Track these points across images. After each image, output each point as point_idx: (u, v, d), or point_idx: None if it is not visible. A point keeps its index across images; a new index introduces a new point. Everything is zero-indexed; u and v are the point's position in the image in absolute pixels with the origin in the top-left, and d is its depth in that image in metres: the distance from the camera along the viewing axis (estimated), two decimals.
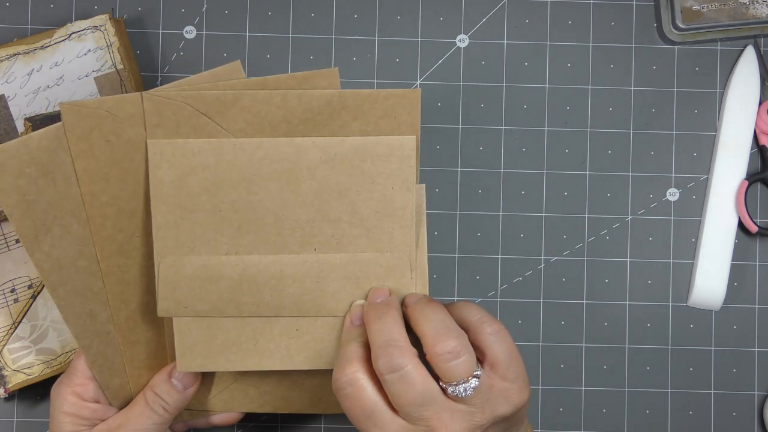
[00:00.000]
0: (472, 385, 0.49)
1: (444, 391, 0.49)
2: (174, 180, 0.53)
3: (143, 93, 0.52)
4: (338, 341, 0.54)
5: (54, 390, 0.57)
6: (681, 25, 0.67)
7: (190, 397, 0.57)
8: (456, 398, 0.49)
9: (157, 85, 0.67)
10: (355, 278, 0.54)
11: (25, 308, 0.64)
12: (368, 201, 0.53)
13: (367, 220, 0.53)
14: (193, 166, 0.53)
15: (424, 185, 0.55)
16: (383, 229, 0.54)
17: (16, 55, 0.65)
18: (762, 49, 0.69)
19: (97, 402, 0.57)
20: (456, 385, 0.48)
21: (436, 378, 0.49)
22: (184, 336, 0.55)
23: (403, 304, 0.53)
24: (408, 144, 0.53)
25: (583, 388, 0.68)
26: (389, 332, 0.49)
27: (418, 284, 0.54)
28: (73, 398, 0.56)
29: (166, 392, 0.56)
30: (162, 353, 0.59)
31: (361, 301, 0.54)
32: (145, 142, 0.52)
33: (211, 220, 0.53)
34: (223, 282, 0.54)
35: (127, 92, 0.65)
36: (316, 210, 0.53)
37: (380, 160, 0.53)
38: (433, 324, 0.49)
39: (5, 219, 0.64)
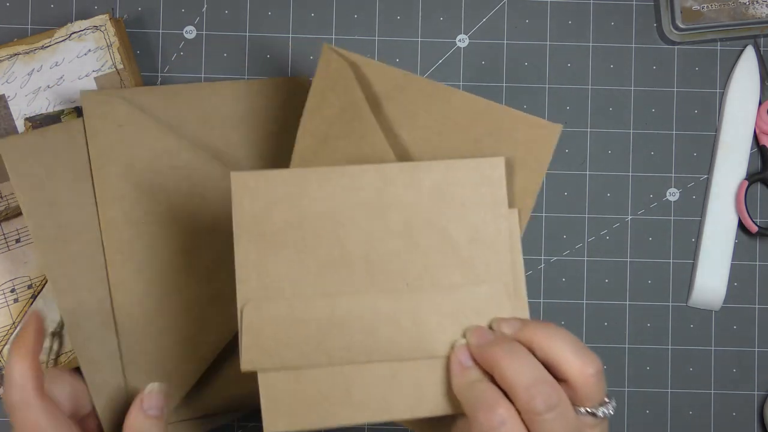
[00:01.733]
0: (612, 405, 0.48)
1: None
2: (257, 214, 0.49)
3: (324, 44, 0.55)
4: (441, 385, 0.50)
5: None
6: (681, 25, 0.67)
7: (163, 418, 0.55)
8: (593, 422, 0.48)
9: (158, 85, 0.67)
10: (453, 314, 0.50)
11: (25, 308, 0.64)
12: (459, 229, 0.50)
13: (459, 250, 0.50)
14: (278, 199, 0.49)
15: (516, 210, 0.52)
16: (477, 258, 0.50)
17: (16, 55, 0.65)
18: (762, 49, 0.69)
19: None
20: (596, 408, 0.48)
21: None
22: (271, 391, 0.49)
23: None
24: (497, 166, 0.50)
25: None
26: (534, 368, 0.46)
27: (518, 313, 0.51)
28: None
29: (145, 425, 0.53)
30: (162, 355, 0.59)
31: (464, 341, 0.50)
32: (230, 175, 0.50)
33: (296, 257, 0.49)
34: (311, 326, 0.49)
35: None
36: (405, 240, 0.50)
37: (469, 184, 0.50)
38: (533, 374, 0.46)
39: (5, 219, 0.64)
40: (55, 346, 0.64)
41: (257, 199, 0.49)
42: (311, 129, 0.53)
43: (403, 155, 0.54)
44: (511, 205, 0.52)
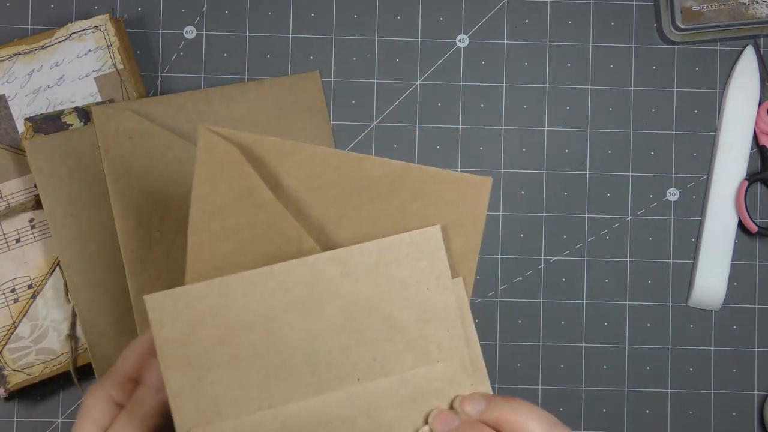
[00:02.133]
0: None
1: None
2: (182, 337, 0.45)
3: (200, 126, 0.46)
4: None
5: (89, 390, 0.51)
6: (681, 25, 0.67)
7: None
8: None
9: (158, 85, 0.67)
10: (412, 401, 0.47)
11: (25, 308, 0.64)
12: (404, 310, 0.46)
13: (407, 332, 0.47)
14: (201, 316, 0.45)
15: (461, 278, 0.48)
16: (428, 338, 0.47)
17: (16, 55, 0.65)
18: (762, 49, 0.69)
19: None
20: None
21: None
22: None
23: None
24: (433, 236, 0.47)
25: (583, 388, 0.68)
26: None
27: (479, 388, 0.48)
28: (107, 406, 0.49)
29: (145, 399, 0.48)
30: None
31: (427, 428, 0.48)
32: (143, 298, 0.45)
33: (233, 374, 0.45)
34: None
35: (127, 92, 0.65)
36: (348, 333, 0.46)
37: (407, 260, 0.46)
38: None
39: (5, 218, 0.64)
40: (73, 346, 0.64)
41: (178, 320, 0.45)
42: (203, 224, 0.46)
43: (321, 237, 0.49)
44: (452, 272, 0.48)
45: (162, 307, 0.45)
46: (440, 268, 0.47)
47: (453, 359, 0.47)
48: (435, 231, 0.46)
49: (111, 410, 0.48)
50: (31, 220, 0.65)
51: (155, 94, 0.67)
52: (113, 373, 0.49)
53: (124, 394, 0.48)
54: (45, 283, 0.65)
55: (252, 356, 0.45)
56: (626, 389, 0.68)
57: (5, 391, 0.63)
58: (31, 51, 0.65)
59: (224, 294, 0.45)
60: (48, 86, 0.65)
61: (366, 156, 0.46)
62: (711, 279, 0.67)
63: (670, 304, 0.68)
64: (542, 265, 0.68)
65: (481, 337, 0.66)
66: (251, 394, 0.46)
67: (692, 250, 0.68)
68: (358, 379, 0.46)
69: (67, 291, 0.64)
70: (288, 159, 0.46)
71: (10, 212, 0.64)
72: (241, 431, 0.45)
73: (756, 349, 0.68)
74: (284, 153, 0.46)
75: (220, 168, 0.45)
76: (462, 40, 0.68)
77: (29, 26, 0.67)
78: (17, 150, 0.65)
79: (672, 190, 0.69)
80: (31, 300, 0.64)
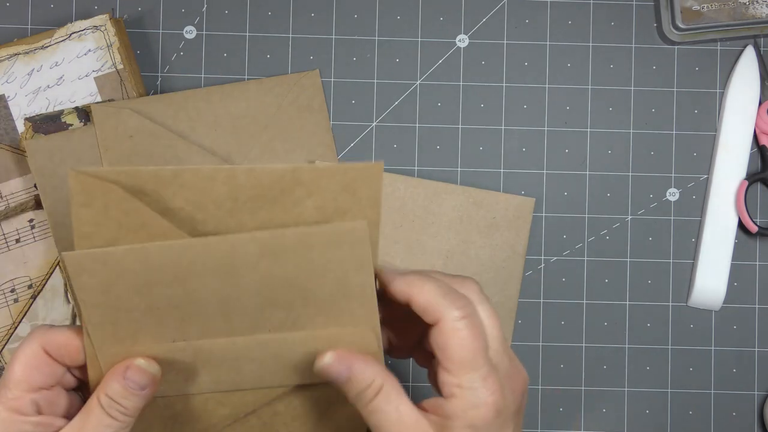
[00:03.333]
0: None
1: None
2: (99, 286, 0.46)
3: (69, 170, 0.45)
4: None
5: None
6: (681, 25, 0.67)
7: (149, 397, 0.50)
8: None
9: (158, 85, 0.67)
10: (319, 352, 0.48)
11: (25, 308, 0.64)
12: (322, 287, 0.47)
13: (323, 302, 0.47)
14: (120, 271, 0.45)
15: (365, 222, 0.48)
16: (342, 309, 0.48)
17: (16, 55, 0.65)
18: (762, 49, 0.69)
19: (40, 414, 0.49)
20: None
21: None
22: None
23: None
24: (358, 229, 0.46)
25: (583, 387, 0.68)
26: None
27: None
28: (10, 415, 0.48)
29: (121, 395, 0.48)
30: None
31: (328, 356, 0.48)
32: (59, 254, 0.48)
33: (150, 317, 0.47)
34: (176, 366, 0.48)
35: (127, 92, 0.65)
36: (263, 298, 0.47)
37: (330, 248, 0.46)
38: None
39: (5, 218, 0.64)
40: None
41: (97, 272, 0.45)
42: (84, 233, 0.46)
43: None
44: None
45: (80, 264, 0.45)
46: (363, 258, 0.46)
47: (364, 327, 0.48)
48: (360, 225, 0.46)
49: (16, 419, 0.48)
50: (31, 220, 0.65)
51: (155, 94, 0.67)
52: (7, 382, 0.48)
53: (24, 403, 0.48)
54: (45, 283, 0.65)
55: (168, 306, 0.46)
56: (626, 389, 0.68)
57: None
58: (31, 51, 0.65)
59: (143, 258, 0.45)
60: (48, 86, 0.65)
61: (254, 166, 0.46)
62: (711, 279, 0.67)
63: (670, 304, 0.68)
64: (542, 265, 0.68)
65: None
66: (166, 332, 0.47)
67: (692, 250, 0.68)
68: (269, 330, 0.48)
69: (67, 291, 0.64)
70: (171, 183, 0.46)
71: (10, 212, 0.64)
72: (157, 356, 0.48)
73: (756, 349, 0.68)
74: (166, 179, 0.45)
75: (104, 208, 0.45)
76: (462, 40, 0.68)
77: (29, 26, 0.67)
78: (17, 150, 0.65)
79: (672, 190, 0.69)
80: (31, 300, 0.64)
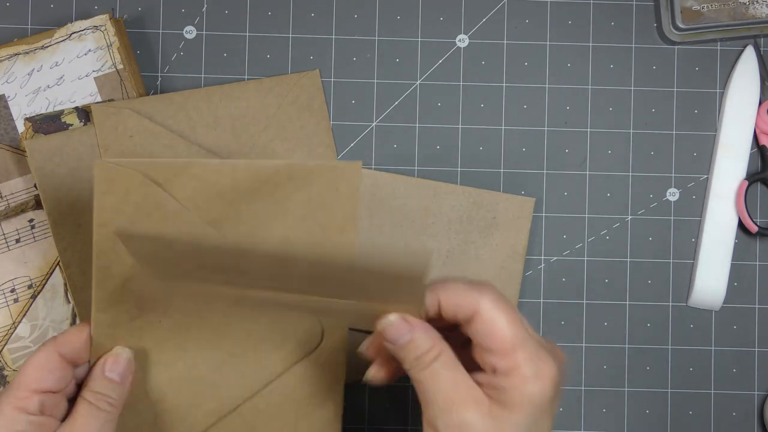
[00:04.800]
0: None
1: None
2: (117, 204, 0.51)
3: (95, 162, 0.51)
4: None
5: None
6: (681, 25, 0.67)
7: (128, 384, 0.53)
8: None
9: (158, 85, 0.67)
10: (380, 314, 0.51)
11: (25, 308, 0.64)
12: (370, 275, 0.49)
13: (373, 289, 0.50)
14: (144, 194, 0.51)
15: (359, 162, 0.55)
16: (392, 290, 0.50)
17: (16, 55, 0.65)
18: (762, 49, 0.69)
19: (42, 414, 0.51)
20: None
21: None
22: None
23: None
24: (355, 168, 0.53)
25: (583, 388, 0.68)
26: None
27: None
28: (14, 413, 0.50)
29: (106, 387, 0.52)
30: None
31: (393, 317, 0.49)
32: (93, 164, 0.50)
33: (196, 272, 0.50)
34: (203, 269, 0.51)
35: (127, 92, 0.65)
36: (315, 280, 0.51)
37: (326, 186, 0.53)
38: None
39: (5, 219, 0.64)
40: None
41: (120, 187, 0.50)
42: (109, 246, 0.51)
43: (221, 232, 0.54)
44: (335, 238, 0.54)
45: (109, 175, 0.50)
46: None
47: (411, 304, 0.50)
48: (357, 164, 0.53)
49: (21, 418, 0.50)
50: (31, 220, 0.65)
51: (155, 94, 0.67)
52: (18, 384, 0.51)
53: (30, 403, 0.50)
54: (45, 283, 0.65)
55: (213, 267, 0.49)
56: (626, 389, 0.68)
57: None
58: (31, 51, 0.65)
59: (196, 244, 0.49)
60: (48, 86, 0.65)
61: (253, 161, 0.54)
62: (711, 279, 0.67)
63: (670, 304, 0.68)
64: (542, 265, 0.68)
65: None
66: (177, 256, 0.50)
67: (692, 250, 0.68)
68: (298, 289, 0.50)
69: (67, 291, 0.64)
70: (181, 174, 0.51)
71: (10, 212, 0.64)
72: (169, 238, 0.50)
73: (756, 349, 0.68)
74: (177, 169, 0.51)
75: (125, 193, 0.50)
76: (462, 40, 0.68)
77: (29, 26, 0.67)
78: (17, 150, 0.65)
79: (672, 190, 0.69)
80: (31, 300, 0.64)
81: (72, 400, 0.53)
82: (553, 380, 0.47)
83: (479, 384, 0.48)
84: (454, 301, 0.48)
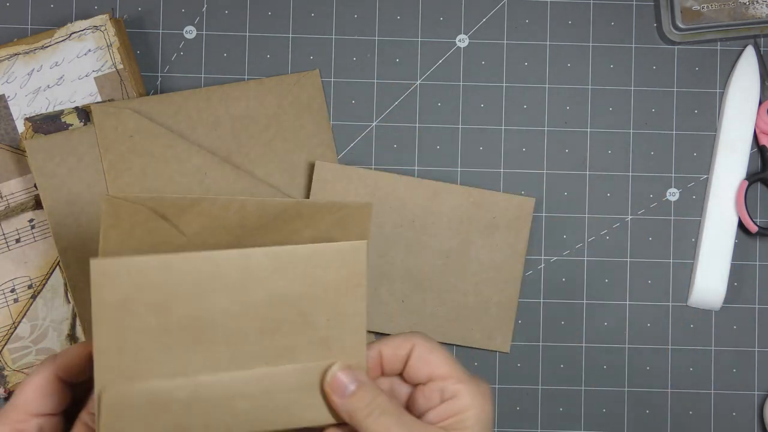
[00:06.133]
0: None
1: None
2: (119, 301, 0.49)
3: (103, 196, 0.51)
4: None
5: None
6: (681, 25, 0.67)
7: None
8: None
9: (158, 85, 0.67)
10: (311, 387, 0.53)
11: (25, 308, 0.64)
12: (319, 309, 0.52)
13: (318, 330, 0.53)
14: (141, 285, 0.50)
15: (365, 242, 0.53)
16: (335, 339, 0.53)
17: (16, 55, 0.65)
18: (762, 49, 0.69)
19: None
20: None
21: None
22: None
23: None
24: (359, 249, 0.52)
25: (583, 388, 0.68)
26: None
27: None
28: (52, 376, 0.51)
29: None
30: None
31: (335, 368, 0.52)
32: (90, 261, 0.49)
33: (158, 340, 0.50)
34: (172, 406, 0.51)
35: (127, 92, 0.65)
36: (268, 321, 0.52)
37: (331, 267, 0.52)
38: None
39: (5, 218, 0.64)
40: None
41: (119, 286, 0.49)
42: (109, 253, 0.50)
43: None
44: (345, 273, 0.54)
45: (106, 272, 0.49)
46: (359, 279, 0.52)
47: (353, 357, 0.53)
48: (361, 246, 0.52)
49: (54, 381, 0.51)
50: (31, 220, 0.65)
51: (155, 94, 0.67)
52: (14, 406, 0.51)
53: (28, 426, 0.51)
54: (45, 283, 0.65)
55: (178, 327, 0.50)
56: (626, 389, 0.68)
57: (5, 391, 0.64)
58: (31, 51, 0.65)
59: (166, 269, 0.49)
60: (48, 86, 0.65)
61: (263, 198, 0.52)
62: (711, 279, 0.67)
63: (670, 304, 0.68)
64: (542, 265, 0.68)
65: None
66: (170, 361, 0.50)
67: (692, 250, 0.69)
68: (267, 363, 0.52)
69: (67, 291, 0.64)
70: (189, 210, 0.51)
71: (10, 212, 0.64)
72: (156, 393, 0.50)
73: (756, 349, 0.68)
74: (185, 205, 0.51)
75: (130, 228, 0.50)
76: (462, 40, 0.68)
77: (29, 26, 0.67)
78: (17, 150, 0.65)
79: (672, 190, 0.69)
80: (31, 300, 0.64)
81: (69, 416, 0.52)
82: (491, 398, 0.50)
83: (431, 423, 0.50)
84: (392, 347, 0.52)
